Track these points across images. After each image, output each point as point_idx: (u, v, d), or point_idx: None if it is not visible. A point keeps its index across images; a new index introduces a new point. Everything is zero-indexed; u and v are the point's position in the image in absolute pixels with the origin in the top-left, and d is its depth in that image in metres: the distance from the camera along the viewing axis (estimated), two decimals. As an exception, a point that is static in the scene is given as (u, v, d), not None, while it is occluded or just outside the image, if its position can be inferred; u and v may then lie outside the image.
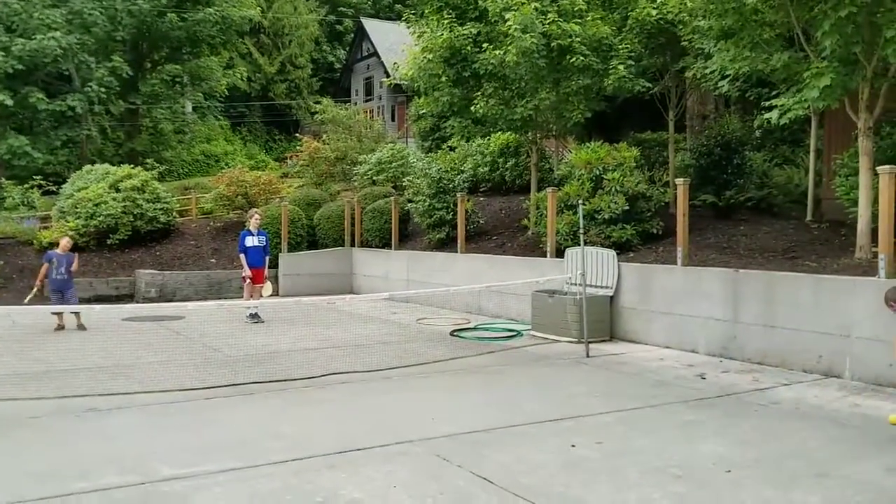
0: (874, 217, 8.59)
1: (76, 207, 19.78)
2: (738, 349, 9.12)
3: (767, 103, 9.39)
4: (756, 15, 9.59)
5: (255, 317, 12.80)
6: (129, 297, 17.88)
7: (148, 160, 26.97)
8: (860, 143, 9.19)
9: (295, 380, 8.19)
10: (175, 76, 38.00)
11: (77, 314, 12.19)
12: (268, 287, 13.36)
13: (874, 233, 8.50)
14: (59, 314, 12.04)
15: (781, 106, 9.00)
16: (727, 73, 10.74)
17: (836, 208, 11.04)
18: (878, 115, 9.31)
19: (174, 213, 21.89)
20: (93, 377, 8.27)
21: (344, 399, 7.47)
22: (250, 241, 13.04)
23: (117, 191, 20.16)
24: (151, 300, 17.13)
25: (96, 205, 19.63)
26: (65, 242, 12.48)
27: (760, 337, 8.86)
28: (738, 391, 7.53)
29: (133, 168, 21.69)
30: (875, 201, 8.59)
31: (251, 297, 12.95)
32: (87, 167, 22.52)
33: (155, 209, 20.45)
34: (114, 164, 23.00)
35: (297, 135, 32.59)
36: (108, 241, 19.61)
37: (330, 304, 14.29)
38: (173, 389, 7.65)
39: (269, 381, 8.09)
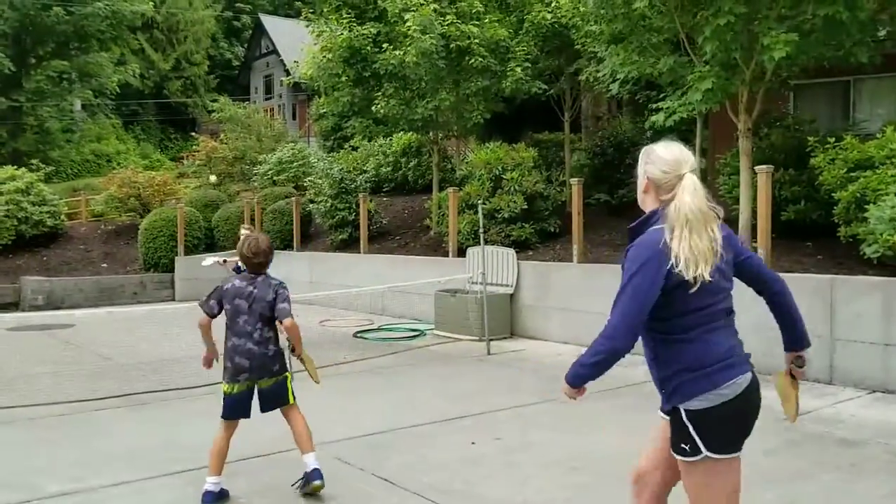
0: (754, 213, 9.11)
1: (-48, 212, 18.61)
2: (631, 342, 9.45)
3: (655, 106, 9.79)
4: (644, 20, 9.97)
5: None
6: (13, 306, 16.95)
7: (33, 161, 25.63)
8: (740, 144, 9.71)
9: (192, 388, 7.97)
10: (62, 72, 36.13)
11: None
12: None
13: (754, 228, 9.00)
14: None
15: (667, 108, 9.40)
16: (618, 76, 11.14)
17: (721, 205, 11.55)
18: (756, 117, 9.85)
19: (62, 217, 20.90)
20: (-29, 392, 7.81)
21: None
22: None
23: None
24: (38, 308, 16.28)
25: (-26, 208, 18.53)
26: None
27: (652, 330, 9.21)
28: (635, 382, 7.82)
29: (17, 169, 20.57)
30: (754, 198, 9.11)
31: None
32: (-35, 168, 21.19)
33: (41, 212, 19.49)
34: (-5, 166, 21.73)
35: (194, 134, 31.61)
36: (-10, 247, 18.54)
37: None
38: (61, 402, 7.32)
39: (164, 391, 7.85)
